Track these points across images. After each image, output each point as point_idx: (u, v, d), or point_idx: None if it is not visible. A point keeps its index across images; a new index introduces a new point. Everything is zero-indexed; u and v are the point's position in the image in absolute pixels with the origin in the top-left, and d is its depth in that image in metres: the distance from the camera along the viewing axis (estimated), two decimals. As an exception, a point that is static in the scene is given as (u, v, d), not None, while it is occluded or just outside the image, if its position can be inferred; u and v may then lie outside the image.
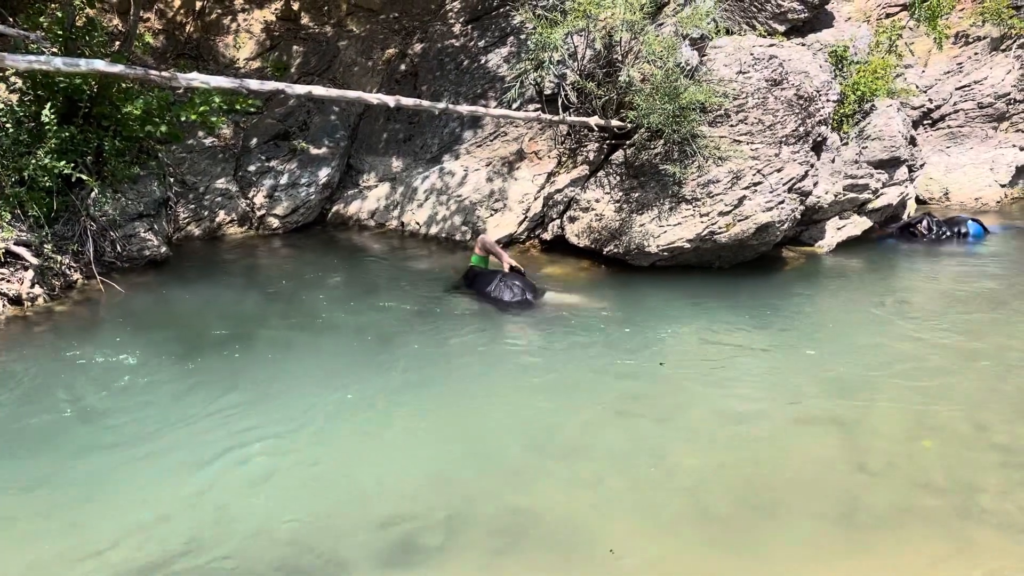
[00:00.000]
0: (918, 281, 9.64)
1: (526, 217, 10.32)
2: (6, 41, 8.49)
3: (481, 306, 8.17)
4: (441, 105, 8.80)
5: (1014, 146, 13.71)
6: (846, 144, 10.50)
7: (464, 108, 9.31)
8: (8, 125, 8.16)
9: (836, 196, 10.18)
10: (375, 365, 6.77)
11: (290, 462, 5.32)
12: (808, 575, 4.40)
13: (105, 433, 5.60)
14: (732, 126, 9.05)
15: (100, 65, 6.73)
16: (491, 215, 10.40)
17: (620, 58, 9.47)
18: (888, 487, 5.13)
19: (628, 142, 9.49)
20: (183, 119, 9.18)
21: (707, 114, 9.03)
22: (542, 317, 7.96)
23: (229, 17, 12.17)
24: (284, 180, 10.97)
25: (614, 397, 6.37)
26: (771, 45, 9.48)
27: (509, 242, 10.26)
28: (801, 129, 9.04)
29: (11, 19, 9.11)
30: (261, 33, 12.17)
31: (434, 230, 10.65)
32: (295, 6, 12.33)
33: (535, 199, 10.35)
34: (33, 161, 7.92)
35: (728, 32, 10.29)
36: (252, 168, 11.00)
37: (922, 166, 11.91)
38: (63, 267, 8.19)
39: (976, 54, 13.83)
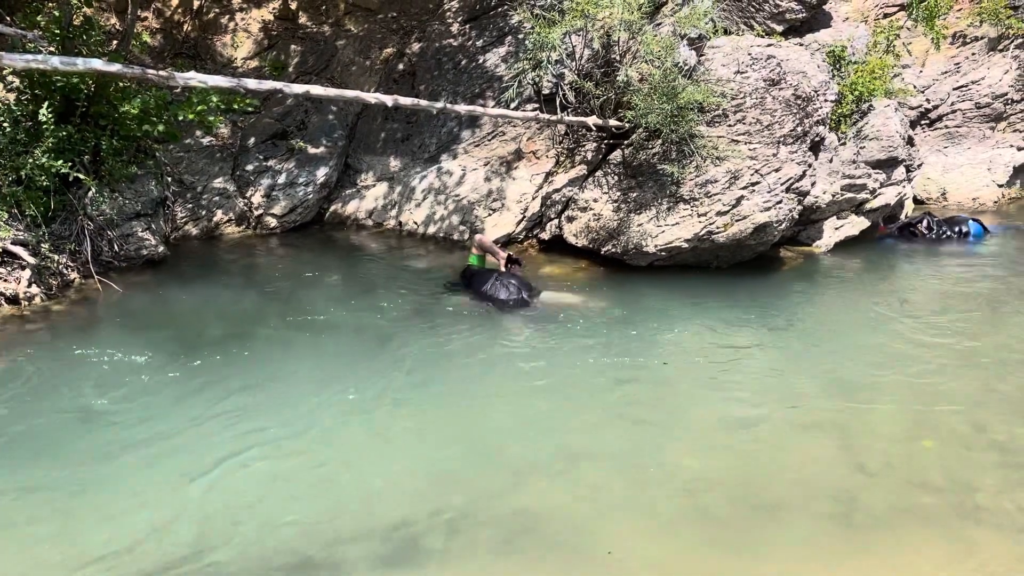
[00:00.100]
0: (917, 281, 9.65)
1: (524, 217, 10.32)
2: (3, 40, 8.47)
3: (479, 306, 8.16)
4: (439, 104, 8.80)
5: (1011, 146, 13.73)
6: (844, 144, 10.51)
7: (462, 108, 9.30)
8: (5, 124, 8.14)
9: (834, 196, 10.19)
10: (374, 365, 6.77)
11: (291, 463, 5.32)
12: (807, 575, 4.40)
13: (104, 434, 5.58)
14: (730, 126, 9.05)
15: (97, 64, 6.71)
16: (489, 215, 10.39)
17: (618, 58, 9.47)
18: (887, 487, 5.13)
19: (626, 142, 9.49)
20: (181, 118, 9.16)
21: (705, 114, 9.03)
22: (540, 317, 7.96)
23: (227, 16, 12.15)
24: (282, 179, 10.96)
25: (613, 397, 6.37)
26: (769, 45, 9.49)
27: (507, 242, 10.26)
28: (799, 129, 9.04)
29: (8, 18, 9.09)
30: (259, 32, 12.15)
31: (432, 230, 10.65)
32: (293, 5, 12.32)
33: (533, 199, 10.34)
34: (30, 160, 7.90)
35: (726, 32, 10.29)
36: (250, 167, 10.98)
37: (920, 166, 11.92)
38: (60, 266, 8.17)
39: (974, 54, 13.84)
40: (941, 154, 13.82)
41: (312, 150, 11.20)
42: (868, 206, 10.79)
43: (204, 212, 10.54)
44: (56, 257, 8.11)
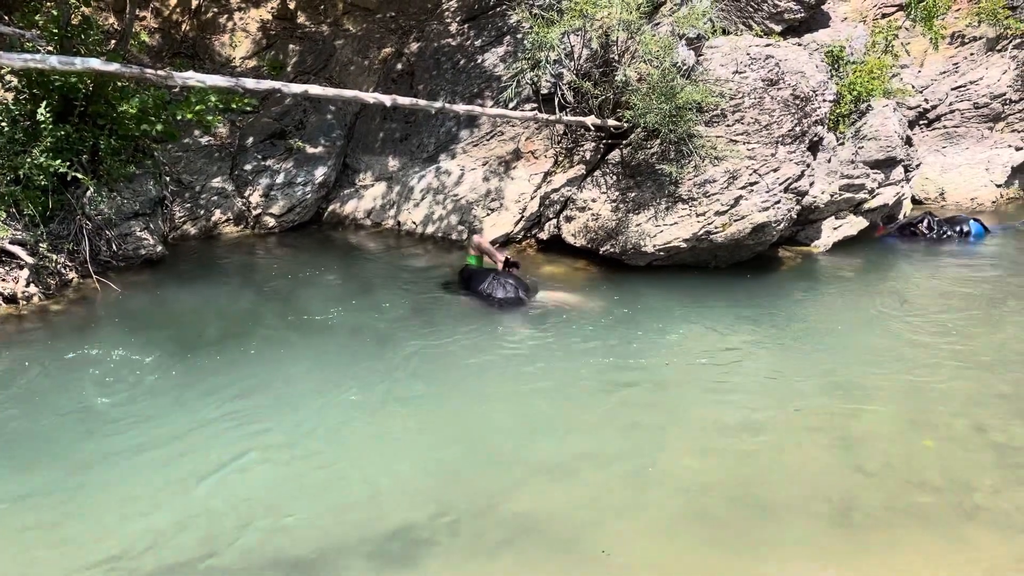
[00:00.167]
0: (915, 281, 9.65)
1: (522, 217, 10.32)
2: (1, 39, 8.46)
3: (477, 305, 8.17)
4: (438, 104, 8.79)
5: (1009, 146, 13.74)
6: (842, 144, 10.51)
7: (461, 107, 9.29)
8: (3, 124, 8.14)
9: (832, 196, 10.19)
10: (374, 365, 6.77)
11: (291, 463, 5.32)
12: (805, 575, 4.40)
13: (103, 434, 5.58)
14: (728, 126, 9.06)
15: (96, 64, 6.70)
16: (487, 214, 10.39)
17: (616, 58, 9.47)
18: (885, 487, 5.14)
19: (624, 142, 9.49)
20: (179, 118, 9.16)
21: (703, 114, 9.04)
22: (539, 317, 7.96)
23: (225, 16, 12.14)
24: (280, 179, 10.95)
25: (612, 397, 6.37)
26: (767, 45, 9.49)
27: (506, 242, 10.26)
28: (797, 129, 9.05)
29: (6, 17, 9.09)
30: (257, 32, 12.15)
31: (430, 229, 10.64)
32: (291, 5, 12.31)
33: (531, 199, 10.34)
34: (28, 160, 7.90)
35: (724, 32, 10.29)
36: (248, 167, 10.98)
37: (918, 166, 11.92)
38: (58, 266, 8.17)
39: (972, 54, 13.85)
40: (939, 154, 13.83)
41: (310, 150, 11.19)
42: (866, 206, 10.80)
43: (202, 212, 10.54)
44: (54, 256, 8.11)
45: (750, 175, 8.81)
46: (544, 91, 10.16)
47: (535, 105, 10.15)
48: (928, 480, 5.19)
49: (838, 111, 10.45)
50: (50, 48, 8.09)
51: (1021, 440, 5.69)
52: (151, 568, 4.26)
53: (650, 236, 8.99)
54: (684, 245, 8.93)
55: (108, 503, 4.84)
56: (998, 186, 13.59)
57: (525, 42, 9.70)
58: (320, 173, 11.07)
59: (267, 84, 7.75)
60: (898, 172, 10.98)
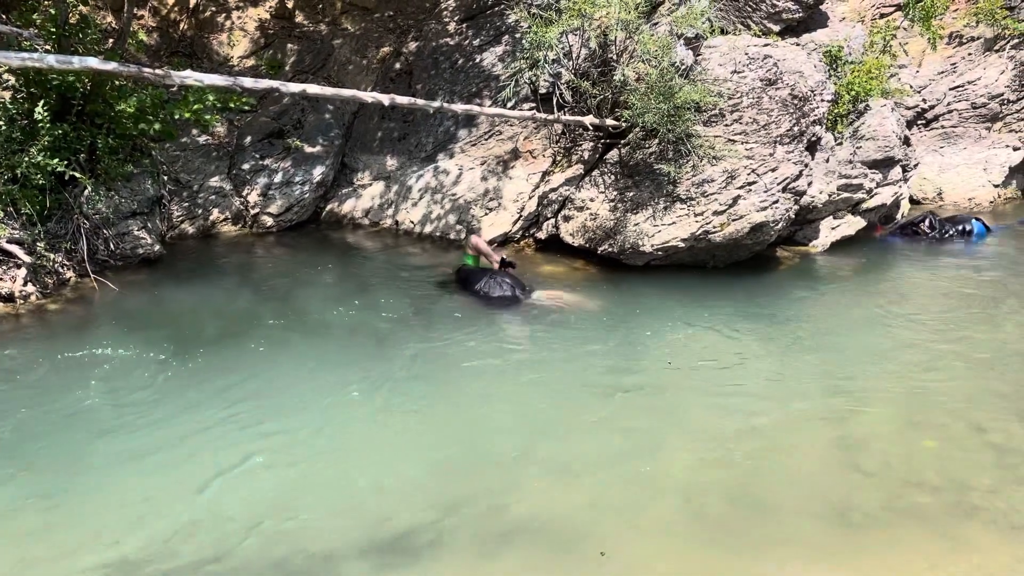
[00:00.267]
0: (913, 280, 9.65)
1: (521, 216, 10.32)
2: (-1, 38, 8.46)
3: (474, 305, 8.16)
4: (436, 104, 8.79)
5: (1007, 146, 13.75)
6: (840, 144, 10.52)
7: (459, 107, 9.29)
8: (1, 123, 8.12)
9: (830, 196, 10.19)
10: (372, 365, 6.76)
11: (285, 461, 5.31)
12: (800, 574, 4.40)
13: (101, 435, 5.57)
14: (727, 125, 9.06)
15: (93, 63, 6.70)
16: (486, 214, 10.39)
17: (615, 57, 9.47)
18: (883, 486, 5.14)
19: (623, 141, 9.49)
20: (177, 117, 9.15)
21: (702, 113, 9.04)
22: (536, 317, 7.96)
23: (223, 15, 12.13)
24: (278, 178, 10.95)
25: (609, 397, 6.37)
26: (766, 45, 9.49)
27: (504, 241, 10.26)
28: (795, 129, 9.05)
29: (4, 16, 9.08)
30: (255, 31, 12.14)
31: (428, 229, 10.64)
32: (289, 4, 12.30)
33: (530, 198, 10.34)
34: (26, 159, 7.89)
35: (723, 32, 10.29)
36: (246, 166, 10.97)
37: (916, 166, 11.93)
38: (56, 265, 8.16)
39: (970, 54, 13.87)
40: (937, 154, 13.84)
41: (308, 149, 11.19)
42: (864, 206, 10.81)
43: (200, 211, 10.53)
44: (52, 256, 8.10)
45: (748, 175, 8.82)
46: (542, 91, 10.16)
47: (533, 105, 10.15)
48: (927, 480, 5.20)
49: (836, 111, 10.46)
50: (48, 47, 8.08)
51: (1019, 440, 5.70)
52: (151, 570, 4.26)
53: (648, 236, 8.99)
54: (682, 245, 8.93)
55: (107, 504, 4.83)
56: (996, 186, 13.61)
57: (523, 41, 9.70)
58: (318, 172, 11.06)
59: (265, 83, 7.75)
60: (896, 172, 10.99)
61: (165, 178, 10.03)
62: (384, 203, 11.10)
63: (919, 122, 13.91)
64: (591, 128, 9.73)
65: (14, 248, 7.83)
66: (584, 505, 4.94)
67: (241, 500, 4.87)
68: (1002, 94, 13.61)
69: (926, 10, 12.21)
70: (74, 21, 8.64)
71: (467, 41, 11.46)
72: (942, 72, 13.88)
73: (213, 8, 12.11)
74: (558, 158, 10.46)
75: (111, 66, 6.78)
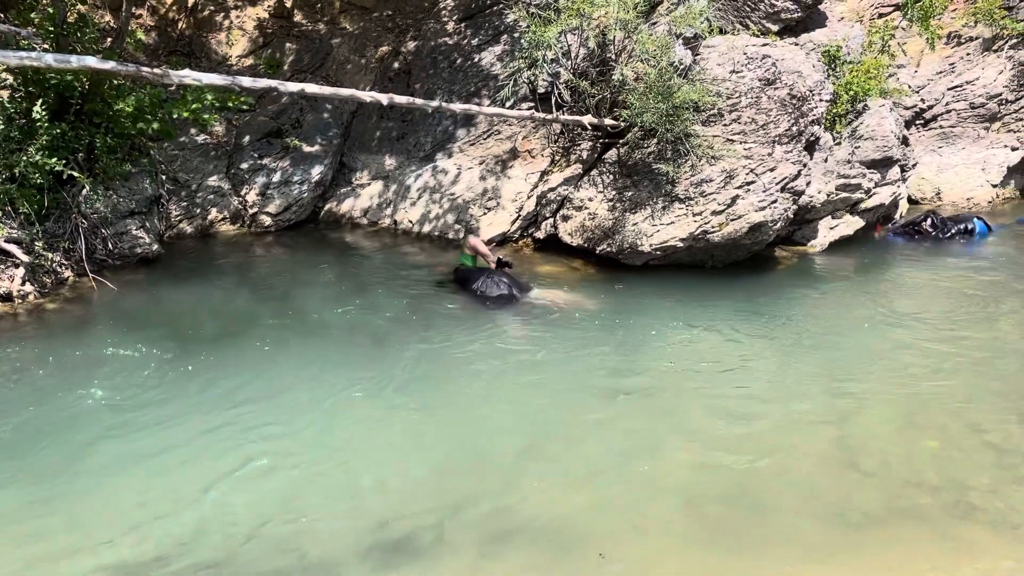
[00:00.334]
0: (911, 280, 9.66)
1: (519, 216, 10.32)
2: (-3, 37, 8.44)
3: (472, 304, 8.16)
4: (434, 103, 8.79)
5: (1006, 146, 13.76)
6: (839, 144, 10.52)
7: (457, 106, 9.29)
8: (-1, 122, 8.13)
9: (829, 196, 10.20)
10: (371, 366, 6.76)
11: (283, 461, 5.31)
12: (799, 575, 4.40)
13: (99, 432, 5.57)
14: (725, 125, 9.06)
15: (91, 62, 6.69)
16: (484, 213, 10.39)
17: (614, 57, 9.47)
18: (881, 486, 5.14)
19: (621, 141, 9.49)
20: (175, 116, 9.14)
21: (700, 113, 9.03)
22: (534, 316, 7.96)
23: (222, 14, 12.12)
24: (277, 178, 10.94)
25: (607, 397, 6.37)
26: (764, 44, 9.49)
27: (502, 241, 10.26)
28: (794, 128, 9.05)
29: (2, 15, 9.06)
30: (254, 30, 12.13)
31: (427, 228, 10.64)
32: (288, 3, 12.29)
33: (528, 198, 10.34)
34: (24, 158, 7.88)
35: (721, 31, 10.29)
36: (244, 166, 10.96)
37: (914, 166, 11.94)
38: (54, 264, 8.15)
39: (968, 54, 13.88)
40: (936, 154, 13.85)
41: (307, 148, 11.18)
42: (863, 206, 10.82)
43: (199, 210, 10.52)
44: (50, 255, 8.09)
45: (747, 175, 8.82)
46: (541, 90, 10.16)
47: (532, 104, 10.15)
48: (926, 480, 5.20)
49: (835, 111, 10.46)
50: (46, 46, 8.06)
51: (1018, 440, 5.70)
52: (144, 565, 4.25)
53: (647, 235, 8.99)
54: (681, 245, 8.93)
55: (106, 505, 4.83)
56: (994, 186, 13.62)
57: (522, 41, 9.70)
58: (316, 172, 11.06)
59: (263, 83, 7.75)
60: (894, 172, 11.00)
61: (163, 177, 10.02)
62: (382, 203, 11.09)
63: (917, 122, 13.92)
64: (590, 128, 9.73)
65: (12, 247, 7.82)
66: (583, 506, 4.94)
67: (241, 501, 4.87)
68: (1000, 94, 13.62)
69: (924, 10, 12.22)
70: (72, 20, 8.63)
71: (466, 40, 11.45)
72: (940, 72, 13.90)
73: (211, 7, 12.10)
74: (557, 158, 10.46)
75: (109, 65, 6.77)
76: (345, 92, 8.38)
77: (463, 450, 5.56)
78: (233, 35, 12.03)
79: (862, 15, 13.33)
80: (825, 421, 5.97)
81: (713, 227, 8.81)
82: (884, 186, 10.91)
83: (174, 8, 11.99)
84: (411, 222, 10.76)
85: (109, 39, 10.06)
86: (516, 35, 10.78)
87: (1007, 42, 13.68)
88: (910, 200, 13.03)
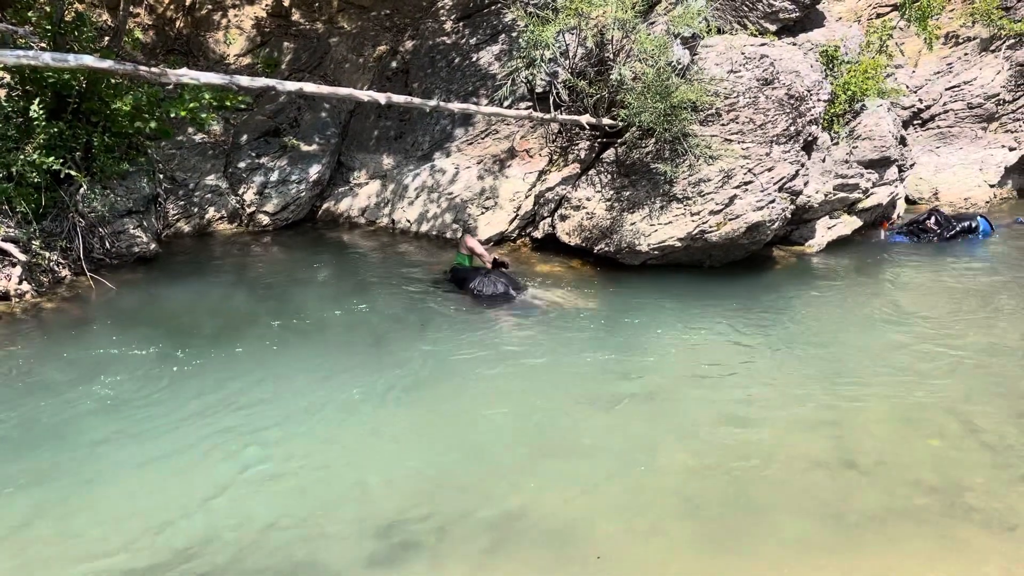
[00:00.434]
0: (908, 280, 9.67)
1: (517, 215, 10.32)
2: (-6, 36, 8.43)
3: (470, 304, 8.16)
4: (432, 102, 8.79)
5: (1003, 146, 13.78)
6: (836, 144, 10.53)
7: (455, 105, 9.29)
8: (-4, 120, 8.12)
9: (826, 196, 10.21)
10: (368, 365, 6.75)
11: (283, 462, 5.30)
12: (797, 575, 4.40)
13: (96, 433, 5.56)
14: (723, 125, 9.06)
15: (89, 60, 6.69)
16: (482, 213, 10.39)
17: (612, 56, 9.47)
18: (878, 486, 5.15)
19: (619, 141, 9.49)
20: (173, 115, 9.13)
21: (698, 113, 9.04)
22: (532, 316, 7.96)
23: (219, 13, 12.11)
24: (274, 177, 10.93)
25: (605, 397, 6.37)
26: (762, 44, 9.50)
27: (500, 240, 10.26)
28: (792, 128, 9.06)
29: (0, 14, 9.06)
30: (252, 29, 12.12)
31: (425, 228, 10.63)
32: (286, 2, 12.28)
33: (526, 197, 10.34)
34: (21, 157, 7.87)
35: (719, 31, 10.30)
36: (242, 165, 10.95)
37: (912, 166, 11.95)
38: (51, 263, 8.14)
39: (966, 55, 13.89)
40: (933, 154, 13.87)
41: (305, 148, 11.17)
42: (860, 206, 10.82)
43: (196, 209, 10.51)
44: (47, 254, 8.08)
45: (745, 174, 8.82)
46: (539, 90, 10.16)
47: (530, 103, 10.14)
48: (922, 480, 5.20)
49: (832, 111, 10.46)
50: (43, 45, 8.06)
51: (1013, 439, 5.71)
52: (143, 566, 4.25)
53: (645, 235, 8.99)
54: (679, 244, 8.94)
55: (104, 505, 4.82)
56: (991, 186, 13.63)
57: (520, 40, 9.70)
58: (314, 171, 11.05)
59: (261, 82, 7.74)
60: (892, 172, 11.01)
61: (161, 176, 10.02)
62: (380, 202, 11.09)
63: (915, 122, 13.93)
64: (588, 127, 9.73)
65: (9, 246, 7.81)
66: (583, 507, 4.94)
67: (240, 501, 4.86)
68: (998, 94, 13.64)
69: (922, 10, 12.23)
70: (70, 19, 8.62)
71: (464, 40, 11.45)
72: (938, 72, 13.91)
73: (209, 6, 12.09)
74: (554, 157, 10.46)
75: (107, 64, 6.76)
76: (343, 91, 8.37)
77: (462, 452, 5.55)
78: (231, 34, 12.02)
79: (860, 15, 13.35)
80: (822, 421, 5.98)
81: (711, 227, 8.81)
82: (882, 186, 10.91)
83: (172, 7, 11.98)
84: (409, 221, 10.76)
85: (107, 38, 10.05)
86: (514, 34, 10.77)
87: (1005, 42, 13.69)
88: (908, 200, 13.05)
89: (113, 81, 8.61)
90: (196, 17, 12.00)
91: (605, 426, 5.91)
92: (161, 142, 10.20)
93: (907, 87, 13.26)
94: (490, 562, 4.41)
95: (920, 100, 13.81)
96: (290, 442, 5.52)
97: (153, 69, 7.02)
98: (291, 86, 7.83)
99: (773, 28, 10.84)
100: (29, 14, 8.61)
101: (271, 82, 7.75)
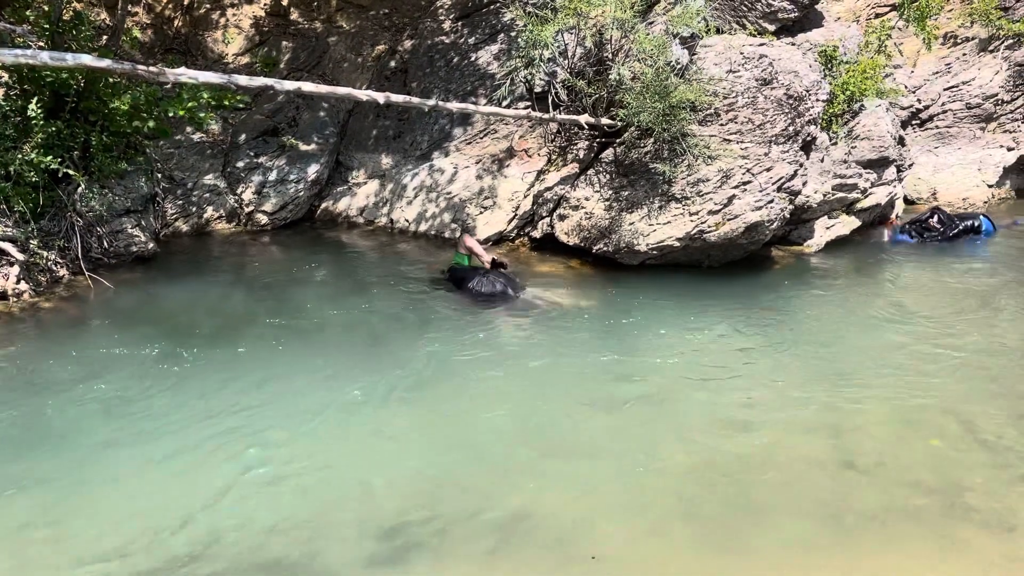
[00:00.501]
0: (906, 280, 9.67)
1: (516, 215, 10.31)
2: (-8, 35, 8.42)
3: (468, 304, 8.16)
4: (431, 102, 8.78)
5: (1001, 146, 13.79)
6: (835, 144, 10.53)
7: (454, 105, 9.28)
8: (-6, 119, 8.10)
9: (825, 196, 10.21)
10: (367, 365, 6.75)
11: (282, 462, 5.30)
12: (796, 575, 4.40)
13: (95, 432, 5.55)
14: (722, 125, 9.06)
15: (87, 60, 6.68)
16: (481, 212, 10.38)
17: (610, 56, 9.47)
18: (877, 486, 5.15)
19: (618, 140, 9.48)
20: (171, 114, 9.12)
21: (697, 113, 9.03)
22: (530, 316, 7.96)
23: (218, 12, 12.10)
24: (273, 176, 10.92)
25: (604, 396, 6.37)
26: (761, 44, 9.49)
27: (499, 240, 10.26)
28: (790, 128, 9.06)
29: (-3, 12, 9.04)
30: (250, 28, 12.11)
31: (423, 227, 10.63)
32: (284, 2, 12.27)
33: (525, 197, 10.34)
34: (19, 156, 7.86)
35: (718, 31, 10.30)
36: (240, 164, 10.94)
37: (910, 166, 11.96)
38: (49, 263, 8.12)
39: (964, 55, 13.90)
40: (932, 154, 13.87)
41: (303, 147, 11.16)
42: (859, 206, 10.83)
43: (194, 209, 10.50)
44: (45, 253, 8.07)
45: (743, 174, 8.82)
46: (538, 89, 10.15)
47: (529, 103, 10.13)
48: (921, 480, 5.21)
49: (831, 111, 10.47)
50: (41, 44, 8.05)
51: (1012, 440, 5.71)
52: (143, 567, 4.24)
53: (643, 235, 8.98)
54: (677, 244, 8.93)
55: (100, 501, 4.82)
56: (990, 186, 13.64)
57: (519, 40, 9.69)
58: (313, 170, 11.04)
59: (260, 81, 7.74)
60: (891, 172, 11.01)
61: (159, 176, 10.01)
62: (379, 201, 11.08)
63: (914, 122, 13.94)
64: (586, 127, 9.73)
65: (7, 246, 7.79)
66: (577, 506, 4.94)
67: (239, 501, 4.86)
68: (996, 94, 13.65)
69: (921, 10, 12.23)
70: (68, 18, 8.60)
71: (462, 39, 11.44)
72: (937, 72, 13.92)
73: (208, 5, 12.08)
74: (553, 157, 10.46)
75: (105, 63, 6.76)
76: (341, 91, 8.37)
77: (459, 451, 5.55)
78: (229, 33, 12.00)
79: (859, 15, 13.35)
80: (822, 421, 5.98)
81: (709, 227, 8.81)
82: (880, 186, 10.92)
83: (170, 6, 11.96)
84: (407, 221, 10.75)
85: (105, 37, 10.03)
86: (513, 34, 10.76)
87: (1003, 42, 13.70)
88: (906, 200, 13.04)
89: (111, 80, 8.59)
90: (194, 16, 11.99)
91: (605, 426, 5.91)
92: (159, 141, 10.19)
93: (905, 87, 13.27)
94: (491, 563, 4.40)
95: (918, 100, 13.81)
96: (290, 443, 5.51)
97: (151, 68, 7.01)
98: (289, 85, 7.83)
99: (772, 28, 10.84)
100: (27, 13, 8.59)
101: (269, 81, 7.74)
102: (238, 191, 10.81)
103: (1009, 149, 13.78)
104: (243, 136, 11.19)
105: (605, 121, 9.51)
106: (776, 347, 7.47)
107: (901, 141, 11.40)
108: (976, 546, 4.59)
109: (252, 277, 8.95)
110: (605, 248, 9.31)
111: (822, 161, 10.24)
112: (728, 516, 4.85)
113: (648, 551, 4.54)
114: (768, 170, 8.88)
